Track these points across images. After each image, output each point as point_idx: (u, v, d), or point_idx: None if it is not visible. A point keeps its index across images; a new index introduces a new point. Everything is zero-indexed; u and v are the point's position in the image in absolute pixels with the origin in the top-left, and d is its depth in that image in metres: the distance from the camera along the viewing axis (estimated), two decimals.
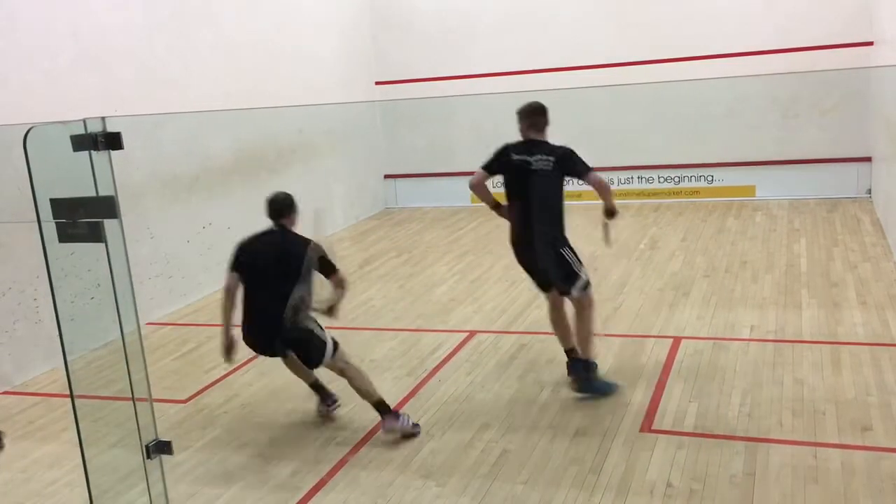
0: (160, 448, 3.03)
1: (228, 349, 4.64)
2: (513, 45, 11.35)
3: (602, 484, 3.99)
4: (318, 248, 4.64)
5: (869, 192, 10.23)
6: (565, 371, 5.26)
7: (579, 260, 5.03)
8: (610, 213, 5.01)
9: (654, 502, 3.81)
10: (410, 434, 4.64)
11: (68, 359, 2.86)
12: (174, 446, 3.11)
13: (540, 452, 4.36)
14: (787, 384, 4.96)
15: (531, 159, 4.93)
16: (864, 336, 5.68)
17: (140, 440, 2.98)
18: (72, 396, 2.94)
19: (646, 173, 11.30)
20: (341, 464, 4.41)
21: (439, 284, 7.91)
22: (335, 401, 5.05)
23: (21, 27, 6.25)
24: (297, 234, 4.79)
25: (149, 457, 3.00)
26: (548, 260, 4.96)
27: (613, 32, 10.96)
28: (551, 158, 4.89)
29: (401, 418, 4.66)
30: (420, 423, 4.81)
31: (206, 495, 4.20)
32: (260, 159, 9.24)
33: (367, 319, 7.01)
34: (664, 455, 4.22)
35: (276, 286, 4.53)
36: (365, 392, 4.67)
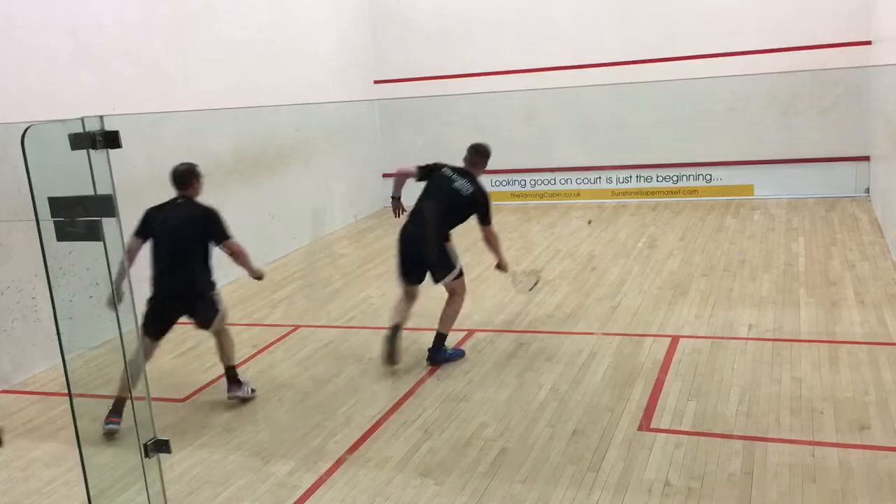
0: (158, 446, 3.03)
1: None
2: (511, 44, 11.35)
3: (600, 482, 3.99)
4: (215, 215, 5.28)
5: (867, 191, 10.24)
6: (564, 370, 5.35)
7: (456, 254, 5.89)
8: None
9: (652, 501, 3.81)
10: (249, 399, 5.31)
11: (67, 357, 2.86)
12: (172, 445, 3.11)
13: (538, 451, 4.37)
14: (785, 383, 4.97)
15: (456, 180, 5.86)
16: (862, 335, 5.69)
17: (138, 439, 2.98)
18: (70, 395, 2.94)
19: (644, 172, 11.31)
20: (339, 462, 4.41)
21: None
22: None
23: (18, 25, 6.24)
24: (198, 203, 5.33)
25: (147, 455, 3.00)
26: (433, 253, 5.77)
27: (612, 31, 10.96)
28: (469, 188, 5.82)
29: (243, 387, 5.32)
30: (418, 421, 4.82)
31: (204, 494, 4.20)
32: (259, 158, 9.24)
33: (365, 318, 7.01)
34: (662, 454, 4.22)
35: (181, 251, 5.11)
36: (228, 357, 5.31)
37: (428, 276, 5.85)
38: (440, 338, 5.78)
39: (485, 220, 5.90)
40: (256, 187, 9.14)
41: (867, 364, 5.15)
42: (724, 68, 10.37)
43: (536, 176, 11.69)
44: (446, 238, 5.83)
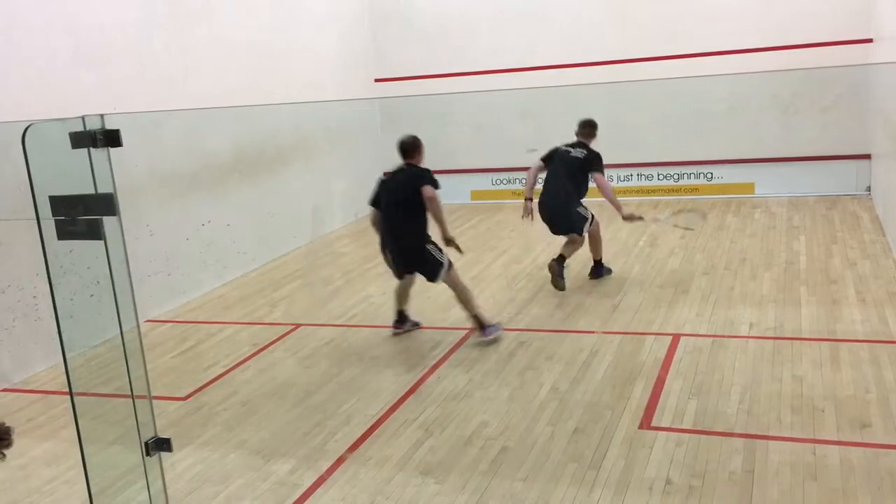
0: (159, 445, 3.03)
1: None
2: (512, 43, 11.34)
3: (601, 481, 3.99)
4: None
5: (868, 189, 10.23)
6: (564, 368, 5.39)
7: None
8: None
9: (653, 499, 3.81)
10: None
11: (67, 356, 2.86)
12: (173, 444, 3.11)
13: (539, 449, 4.36)
14: (786, 381, 4.96)
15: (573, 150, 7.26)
16: (863, 333, 5.68)
17: (139, 437, 2.98)
18: (71, 394, 2.94)
19: (645, 170, 11.30)
20: (340, 461, 4.42)
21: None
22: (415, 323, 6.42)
23: (19, 24, 6.24)
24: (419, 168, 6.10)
25: (148, 454, 3.00)
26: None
27: (612, 29, 10.95)
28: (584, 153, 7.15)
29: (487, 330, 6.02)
30: (419, 420, 4.83)
31: (205, 492, 4.21)
32: (259, 157, 9.24)
33: (366, 316, 7.02)
34: (663, 452, 4.22)
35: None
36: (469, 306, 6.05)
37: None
38: (598, 262, 7.43)
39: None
40: (256, 186, 9.13)
41: (868, 362, 5.15)
42: (724, 66, 10.36)
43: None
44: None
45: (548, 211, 7.14)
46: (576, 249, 7.15)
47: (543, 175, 7.34)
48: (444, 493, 4.00)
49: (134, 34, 7.39)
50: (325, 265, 9.09)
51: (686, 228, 7.78)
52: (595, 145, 7.30)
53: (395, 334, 6.40)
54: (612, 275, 7.54)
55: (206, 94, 8.20)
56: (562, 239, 7.28)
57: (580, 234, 7.08)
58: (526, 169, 11.63)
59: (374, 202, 6.21)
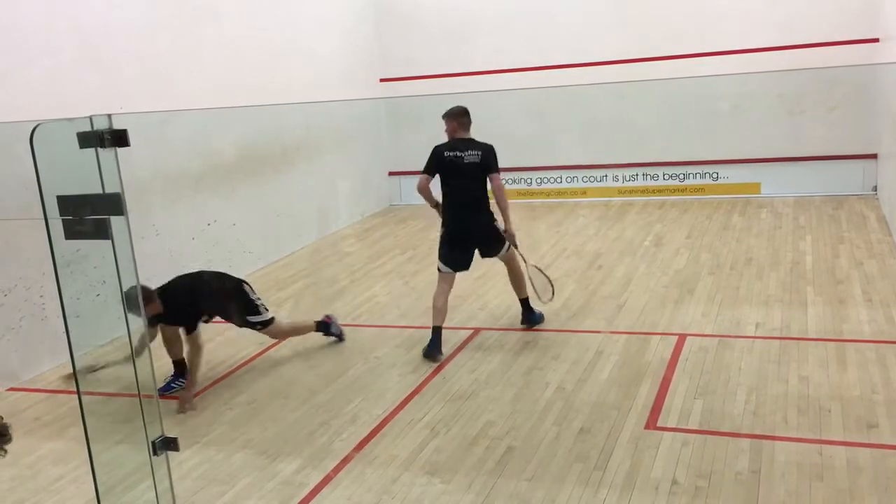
0: (166, 444, 3.03)
1: None
2: (517, 42, 11.33)
3: (607, 481, 3.99)
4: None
5: (875, 189, 10.20)
6: (570, 368, 5.39)
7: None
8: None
9: (659, 499, 3.81)
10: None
11: (75, 355, 2.86)
12: (180, 443, 3.12)
13: (545, 449, 4.36)
14: (792, 381, 4.95)
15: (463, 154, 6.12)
16: (869, 333, 5.67)
17: (146, 437, 2.98)
18: (78, 393, 2.94)
19: (650, 170, 11.28)
20: (346, 460, 4.42)
21: None
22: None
23: (24, 24, 6.25)
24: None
25: (155, 453, 3.00)
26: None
27: (618, 29, 10.93)
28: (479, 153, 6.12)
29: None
30: (425, 419, 4.83)
31: (211, 492, 4.21)
32: (264, 157, 9.25)
33: (371, 316, 7.02)
34: (669, 452, 4.21)
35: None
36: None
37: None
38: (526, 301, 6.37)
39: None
40: (262, 186, 9.15)
41: (875, 362, 5.14)
42: (730, 66, 10.34)
43: (542, 174, 11.68)
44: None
45: (459, 232, 6.14)
46: (518, 275, 6.30)
47: None
48: (449, 493, 4.00)
49: (139, 34, 7.40)
50: (331, 265, 9.10)
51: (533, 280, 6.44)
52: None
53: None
54: (613, 277, 7.52)
55: (212, 94, 8.21)
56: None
57: (502, 249, 6.20)
58: (532, 168, 11.61)
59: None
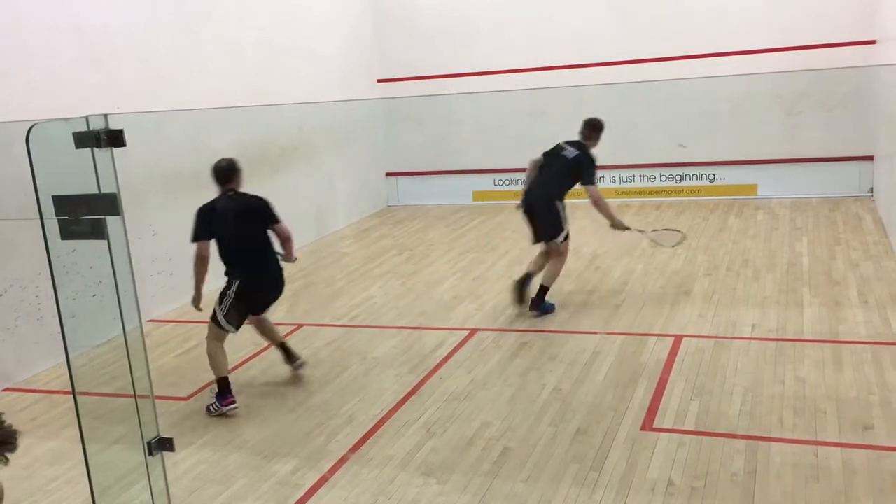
0: (162, 445, 3.03)
1: None
2: (515, 43, 11.34)
3: (603, 482, 3.99)
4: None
5: (871, 190, 10.22)
6: (567, 369, 5.39)
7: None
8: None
9: (655, 500, 3.81)
10: None
11: (70, 356, 2.86)
12: (176, 443, 3.11)
13: (541, 450, 4.36)
14: (788, 383, 4.96)
15: (566, 148, 6.95)
16: (865, 335, 5.68)
17: (142, 437, 2.98)
18: (74, 393, 2.94)
19: (647, 171, 11.30)
20: (342, 461, 4.42)
21: (441, 282, 7.91)
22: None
23: (24, 25, 6.25)
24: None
25: (150, 454, 3.00)
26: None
27: (616, 30, 10.95)
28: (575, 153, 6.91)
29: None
30: (421, 420, 4.82)
31: (207, 492, 4.21)
32: (262, 157, 9.24)
33: (368, 317, 7.02)
34: (665, 453, 4.22)
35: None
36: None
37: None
38: (542, 290, 6.69)
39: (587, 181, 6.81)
40: (259, 186, 9.04)
41: (871, 364, 5.15)
42: (728, 67, 10.36)
43: None
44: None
45: (528, 203, 6.82)
46: (553, 270, 6.69)
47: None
48: (445, 494, 4.00)
49: (138, 35, 7.40)
50: (328, 265, 9.09)
51: (657, 244, 7.69)
52: (597, 148, 7.06)
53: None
54: (610, 279, 7.53)
55: (210, 95, 8.21)
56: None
57: (554, 239, 6.62)
58: (526, 169, 11.65)
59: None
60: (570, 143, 6.94)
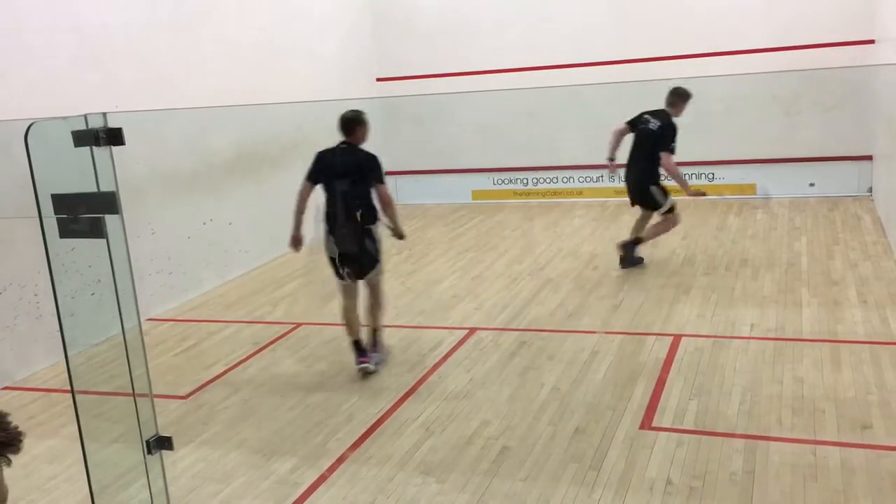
0: (161, 444, 3.03)
1: None
2: (513, 43, 11.33)
3: (602, 481, 3.99)
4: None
5: (870, 190, 10.23)
6: (566, 368, 5.38)
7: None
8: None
9: (653, 500, 3.81)
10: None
11: (69, 354, 2.86)
12: (175, 442, 3.11)
13: (540, 449, 4.37)
14: (787, 382, 4.96)
15: (650, 121, 7.44)
16: (864, 334, 5.68)
17: (141, 436, 2.98)
18: (72, 392, 2.94)
19: None
20: (341, 460, 4.42)
21: (440, 281, 7.91)
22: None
23: (23, 24, 6.24)
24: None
25: (149, 452, 3.00)
26: None
27: (614, 30, 10.94)
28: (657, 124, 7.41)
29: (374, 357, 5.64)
30: (420, 419, 4.83)
31: (206, 491, 4.21)
32: (261, 156, 9.24)
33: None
34: (664, 452, 4.22)
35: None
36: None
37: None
38: (636, 241, 7.38)
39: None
40: (259, 185, 9.13)
41: (869, 364, 5.15)
42: (726, 67, 10.35)
43: (539, 174, 11.67)
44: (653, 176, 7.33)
45: (627, 181, 7.54)
46: (656, 229, 7.42)
47: (629, 138, 7.68)
48: (444, 493, 4.01)
49: (137, 34, 7.39)
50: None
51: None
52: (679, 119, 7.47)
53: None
54: (608, 278, 7.54)
55: (209, 94, 8.20)
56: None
57: (657, 209, 7.35)
58: (528, 168, 11.64)
59: None
60: (654, 114, 7.19)
